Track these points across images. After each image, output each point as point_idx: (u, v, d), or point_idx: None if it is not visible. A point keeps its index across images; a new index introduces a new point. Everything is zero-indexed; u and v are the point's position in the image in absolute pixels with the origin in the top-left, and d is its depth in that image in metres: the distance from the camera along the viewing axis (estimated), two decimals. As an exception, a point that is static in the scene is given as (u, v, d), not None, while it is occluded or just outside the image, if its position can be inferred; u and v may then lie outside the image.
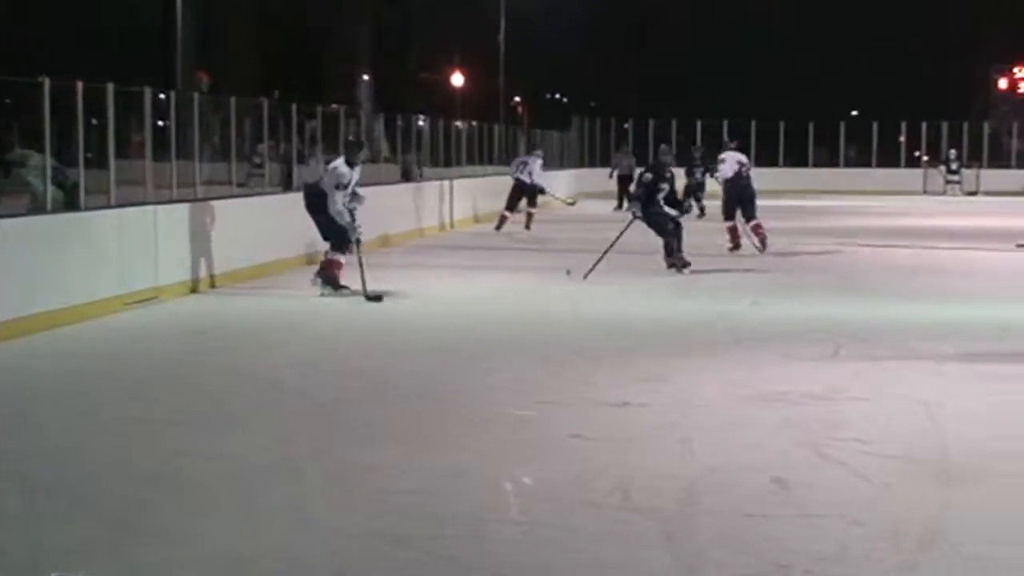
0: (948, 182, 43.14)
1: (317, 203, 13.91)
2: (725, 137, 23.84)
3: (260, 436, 7.34)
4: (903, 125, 46.77)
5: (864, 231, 23.36)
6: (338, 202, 13.55)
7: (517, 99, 66.66)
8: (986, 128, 48.68)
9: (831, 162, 45.60)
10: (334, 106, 22.05)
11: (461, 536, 5.47)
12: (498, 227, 24.01)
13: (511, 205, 24.36)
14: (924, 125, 46.18)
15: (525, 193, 24.48)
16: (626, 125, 45.41)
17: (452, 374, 9.36)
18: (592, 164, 43.55)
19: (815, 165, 43.76)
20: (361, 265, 13.19)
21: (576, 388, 8.68)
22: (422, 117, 27.17)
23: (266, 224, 15.78)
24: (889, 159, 45.75)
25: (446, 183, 24.87)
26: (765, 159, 40.39)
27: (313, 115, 19.88)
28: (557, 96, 78.57)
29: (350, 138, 17.14)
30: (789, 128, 44.10)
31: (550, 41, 66.49)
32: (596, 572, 5.11)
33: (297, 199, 14.72)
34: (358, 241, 13.64)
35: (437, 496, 6.07)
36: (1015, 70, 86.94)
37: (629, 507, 5.88)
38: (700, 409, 8.02)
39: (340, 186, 13.63)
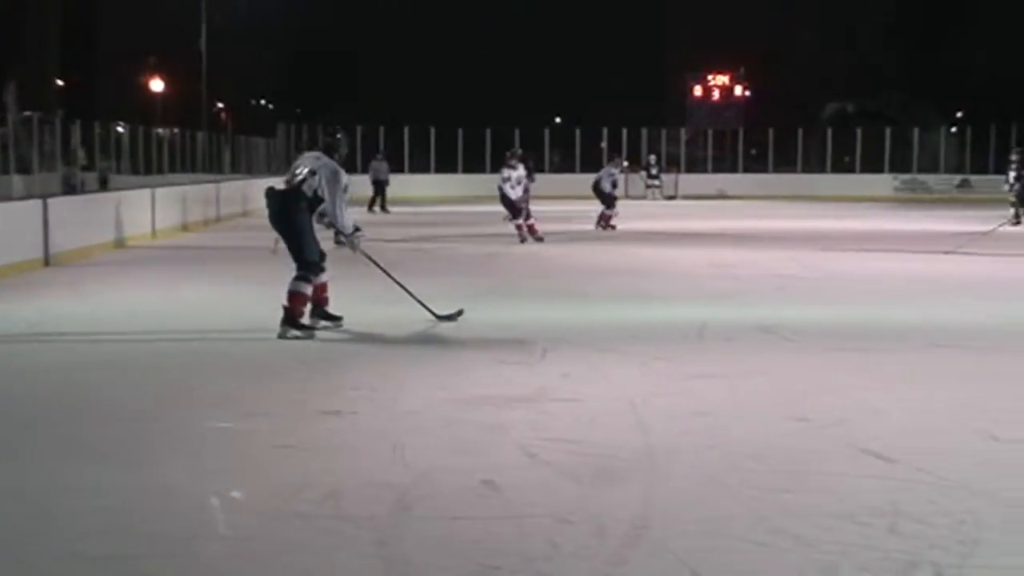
0: (648, 187, 44.56)
1: (288, 213, 11.28)
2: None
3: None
4: (604, 131, 47.97)
5: (570, 235, 23.75)
6: (344, 210, 11.39)
7: (220, 105, 65.74)
8: (683, 134, 50.42)
9: (536, 168, 46.33)
10: (27, 113, 21.26)
11: (167, 555, 5.30)
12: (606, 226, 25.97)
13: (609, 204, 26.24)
14: (625, 131, 47.50)
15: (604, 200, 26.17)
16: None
17: (155, 389, 9.07)
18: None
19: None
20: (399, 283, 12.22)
21: (285, 398, 8.54)
22: (121, 124, 26.48)
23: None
24: (592, 164, 46.85)
25: (147, 192, 24.30)
26: (473, 165, 40.74)
27: (3, 122, 19.15)
28: (262, 102, 77.84)
29: (329, 133, 13.59)
30: (495, 135, 44.65)
31: (253, 47, 65.76)
32: (307, 584, 5.02)
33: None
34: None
35: (141, 515, 5.86)
36: (708, 78, 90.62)
37: (340, 516, 5.81)
38: (410, 415, 8.00)
39: (346, 189, 11.39)
